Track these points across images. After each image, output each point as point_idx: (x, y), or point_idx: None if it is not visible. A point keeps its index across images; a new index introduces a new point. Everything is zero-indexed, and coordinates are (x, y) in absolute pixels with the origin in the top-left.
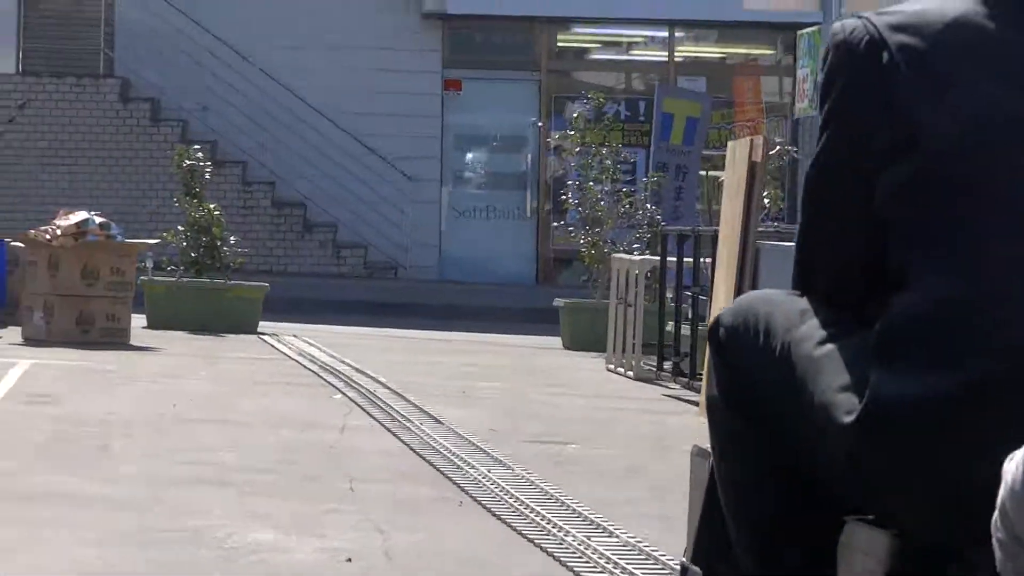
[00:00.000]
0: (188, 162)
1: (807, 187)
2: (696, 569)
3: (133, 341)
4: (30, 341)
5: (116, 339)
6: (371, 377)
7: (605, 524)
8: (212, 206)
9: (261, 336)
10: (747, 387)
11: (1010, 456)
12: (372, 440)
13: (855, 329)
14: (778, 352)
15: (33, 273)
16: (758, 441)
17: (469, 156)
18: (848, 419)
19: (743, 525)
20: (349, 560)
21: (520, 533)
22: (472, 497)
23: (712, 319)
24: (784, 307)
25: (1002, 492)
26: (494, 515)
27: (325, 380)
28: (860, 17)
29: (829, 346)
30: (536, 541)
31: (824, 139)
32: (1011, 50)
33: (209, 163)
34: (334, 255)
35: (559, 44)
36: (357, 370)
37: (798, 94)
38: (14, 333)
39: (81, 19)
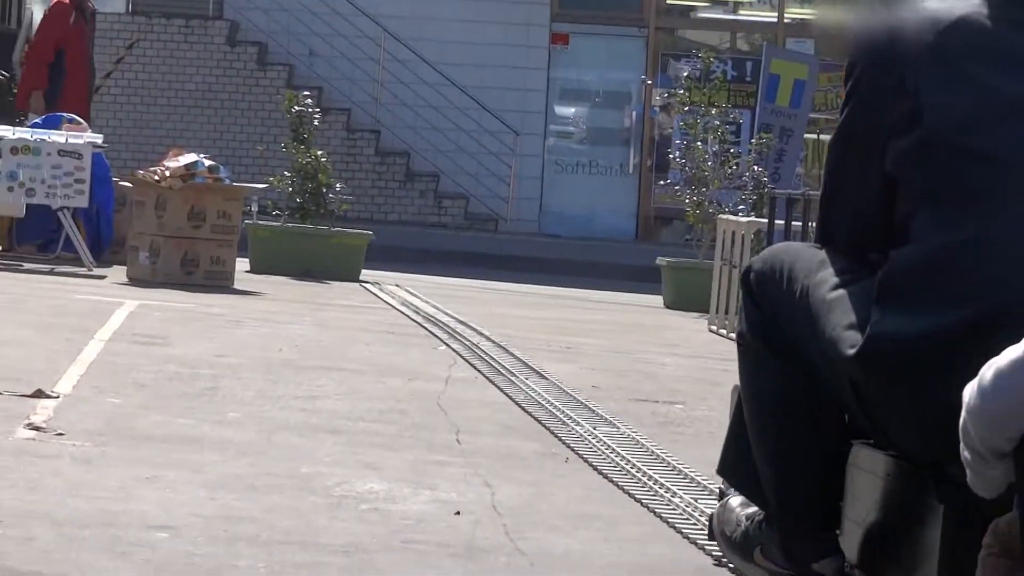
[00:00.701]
0: (297, 108)
1: (830, 153)
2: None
3: (237, 285)
4: (135, 281)
5: (220, 282)
6: (474, 329)
7: (712, 487)
8: (319, 152)
9: (363, 284)
10: (772, 323)
11: (969, 384)
12: (477, 392)
13: (864, 276)
14: (798, 294)
15: (140, 213)
16: (780, 369)
17: (573, 111)
18: (851, 352)
19: (765, 443)
20: (458, 513)
21: (627, 492)
22: (577, 454)
23: (744, 266)
24: (805, 256)
25: (963, 413)
26: (600, 472)
27: (428, 330)
28: (880, 8)
29: (840, 291)
30: (643, 501)
31: (846, 112)
32: (1009, 44)
33: (317, 110)
34: (435, 205)
35: (668, 1)
36: (460, 321)
37: None
38: (119, 272)
39: None
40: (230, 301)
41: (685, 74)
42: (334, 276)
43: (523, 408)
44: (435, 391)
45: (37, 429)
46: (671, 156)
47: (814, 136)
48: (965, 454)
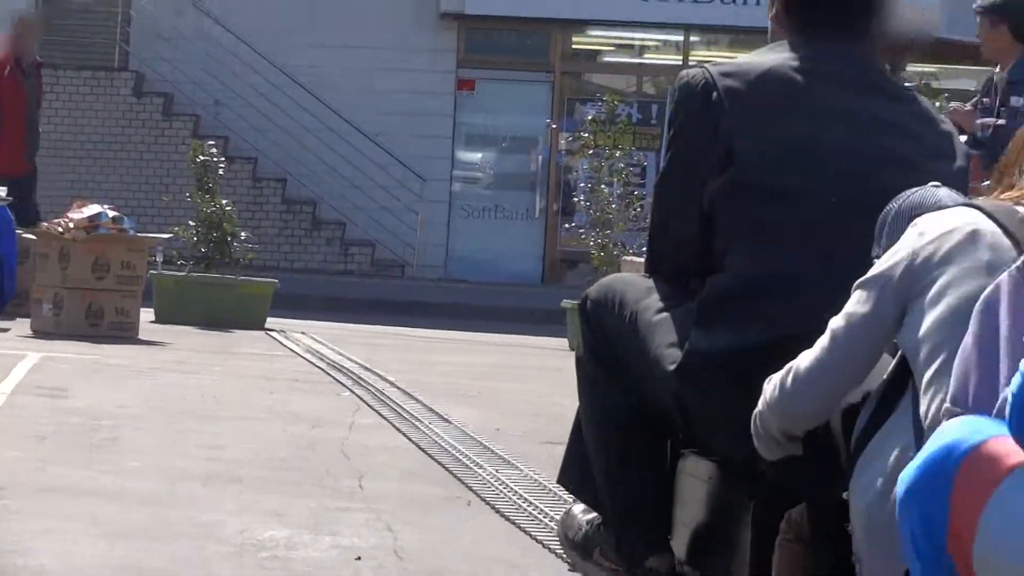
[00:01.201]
0: (202, 157)
1: (656, 193)
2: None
3: (142, 335)
4: (39, 333)
5: (125, 333)
6: (379, 375)
7: None
8: (224, 201)
9: (269, 332)
10: (606, 346)
11: (768, 379)
12: (381, 438)
13: (685, 302)
14: (628, 319)
15: (43, 265)
16: (614, 388)
17: (480, 156)
18: (672, 367)
19: (601, 455)
20: (359, 559)
21: (529, 535)
22: (481, 497)
23: (584, 294)
24: (635, 285)
25: (761, 405)
26: (503, 516)
27: (333, 377)
28: (701, 66)
29: (664, 314)
30: (545, 543)
31: (669, 155)
32: (810, 93)
33: (222, 159)
34: (342, 252)
35: (574, 46)
36: (365, 368)
37: None
38: (23, 325)
39: (98, 13)
40: (134, 352)
41: (590, 117)
42: (240, 325)
43: (427, 453)
44: (339, 437)
45: None
46: (576, 199)
47: None
48: (759, 432)
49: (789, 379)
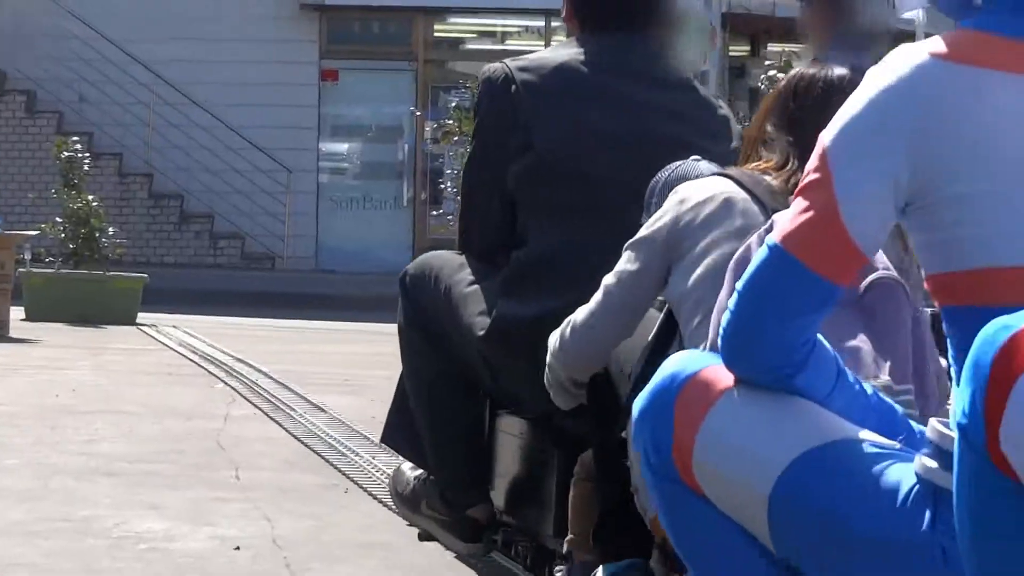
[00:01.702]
0: (67, 153)
1: (464, 177)
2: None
3: (12, 333)
4: None
5: None
6: (252, 366)
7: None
8: (90, 197)
9: (140, 327)
10: (423, 315)
11: (552, 332)
12: (256, 429)
13: (493, 275)
14: (443, 292)
15: None
16: (432, 354)
17: (346, 147)
18: (481, 333)
19: (423, 414)
20: (238, 548)
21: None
22: (358, 484)
23: (402, 271)
24: (449, 261)
25: (548, 356)
26: (380, 502)
27: (206, 370)
28: (501, 61)
29: (474, 286)
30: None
31: (475, 143)
32: (600, 85)
33: (87, 155)
34: (211, 246)
35: (436, 34)
36: (238, 360)
37: None
38: None
39: None
40: (6, 350)
41: (454, 105)
42: (111, 320)
43: (303, 442)
44: (214, 429)
45: None
46: (444, 187)
47: None
48: (551, 382)
49: (568, 331)
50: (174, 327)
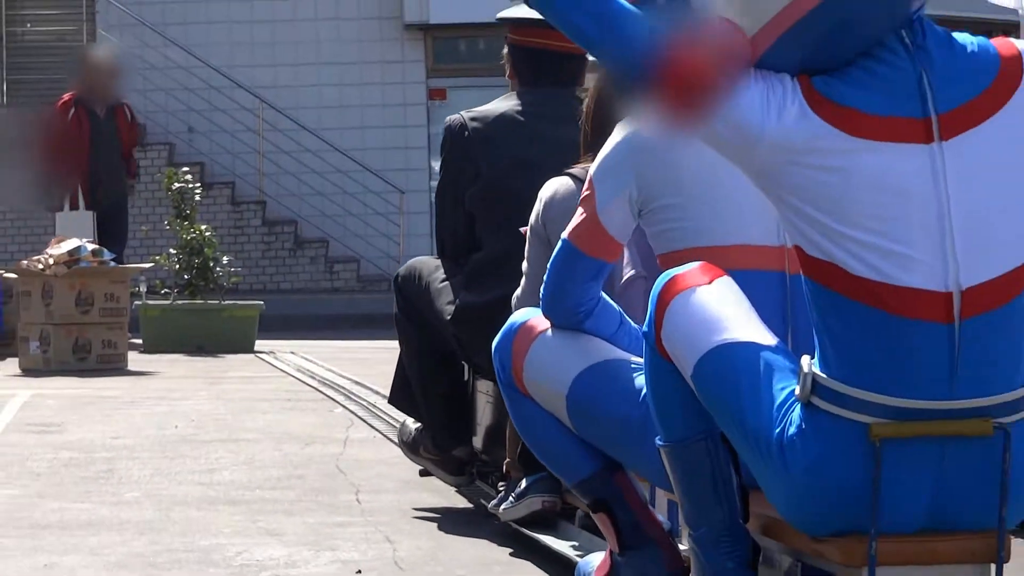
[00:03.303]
0: (177, 184)
1: (436, 200)
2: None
3: (131, 366)
4: (28, 371)
5: (114, 364)
6: (370, 389)
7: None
8: (203, 227)
9: (258, 355)
10: (411, 306)
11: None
12: (375, 451)
13: (459, 273)
14: (424, 287)
15: (27, 303)
16: (419, 335)
17: None
18: (449, 318)
19: (415, 378)
20: (359, 572)
21: (526, 532)
22: (479, 502)
23: (396, 272)
24: (428, 264)
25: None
26: (500, 521)
27: (325, 395)
28: (459, 114)
29: (446, 283)
30: (542, 542)
31: (442, 174)
32: (527, 127)
33: (198, 184)
34: (327, 271)
35: None
36: (356, 383)
37: None
38: (12, 364)
39: (63, 49)
40: (124, 383)
41: None
42: (228, 349)
43: None
44: (333, 453)
45: None
46: None
47: None
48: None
49: (515, 302)
50: (292, 353)
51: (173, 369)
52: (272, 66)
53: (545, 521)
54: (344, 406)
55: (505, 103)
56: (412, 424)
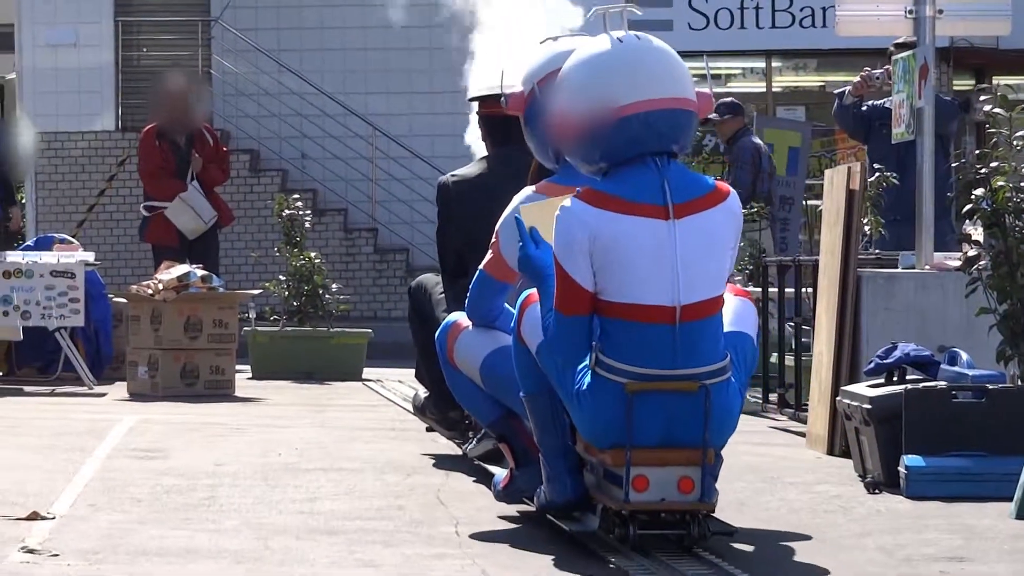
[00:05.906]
0: (287, 211)
1: (437, 240)
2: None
3: (238, 392)
4: (136, 396)
5: (221, 390)
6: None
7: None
8: (312, 254)
9: (366, 383)
10: (420, 311)
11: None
12: (477, 483)
13: (452, 290)
14: (427, 298)
15: (136, 328)
16: (424, 331)
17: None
18: (443, 318)
19: (424, 364)
20: None
21: (613, 564)
22: (573, 535)
23: (409, 285)
24: (432, 280)
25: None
26: (598, 555)
27: None
28: (447, 175)
29: (442, 295)
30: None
31: (439, 223)
32: (493, 183)
33: (309, 212)
34: None
35: None
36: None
37: (894, 120)
38: (120, 388)
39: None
40: (231, 409)
41: None
42: (336, 377)
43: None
44: (435, 484)
45: (32, 552)
46: None
47: (804, 203)
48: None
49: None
50: (399, 381)
51: (280, 396)
52: (386, 93)
53: (496, 457)
54: (448, 436)
55: (478, 166)
56: (421, 392)
